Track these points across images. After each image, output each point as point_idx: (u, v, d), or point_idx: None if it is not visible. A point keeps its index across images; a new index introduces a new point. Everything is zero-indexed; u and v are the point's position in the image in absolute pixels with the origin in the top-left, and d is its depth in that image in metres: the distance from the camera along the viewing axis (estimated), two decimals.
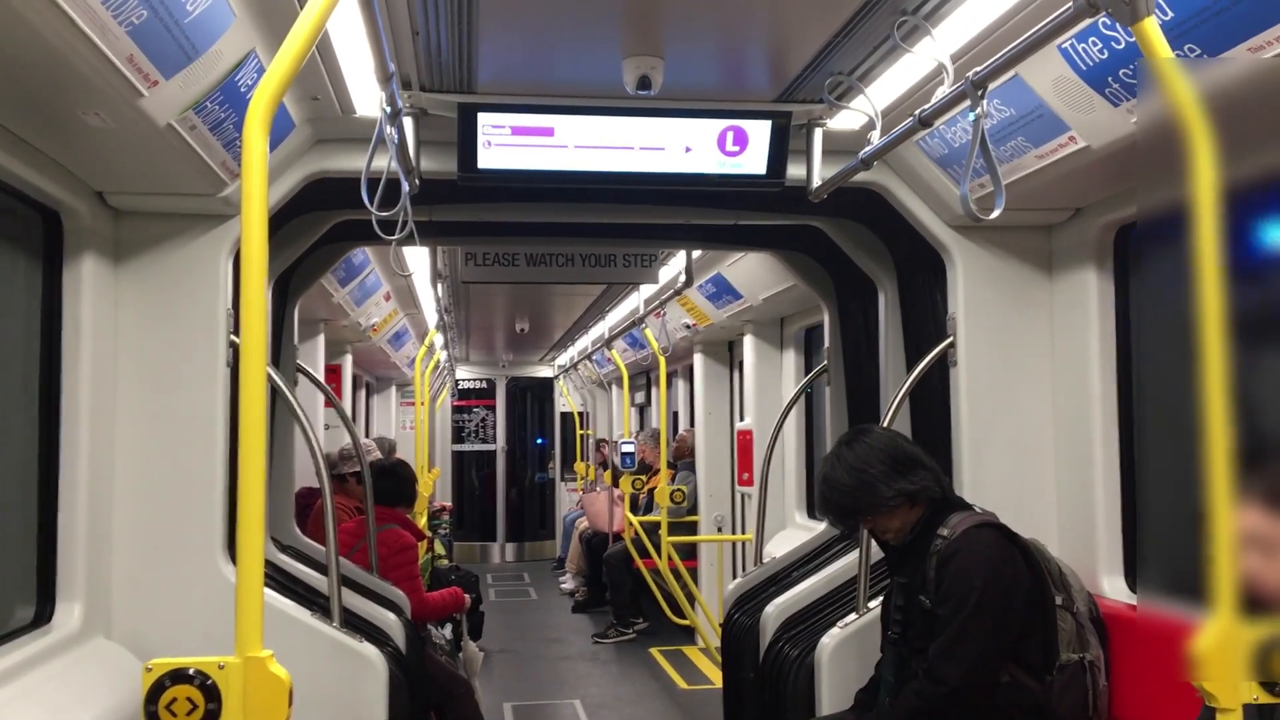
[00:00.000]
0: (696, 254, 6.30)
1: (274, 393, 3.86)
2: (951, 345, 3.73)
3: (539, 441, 16.14)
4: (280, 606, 3.39)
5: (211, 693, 1.64)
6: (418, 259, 6.56)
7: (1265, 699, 1.58)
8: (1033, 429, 3.71)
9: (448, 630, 5.74)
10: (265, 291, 1.73)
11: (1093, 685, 3.12)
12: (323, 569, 3.84)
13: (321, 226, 4.07)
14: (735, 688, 4.58)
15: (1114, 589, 3.45)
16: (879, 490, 3.16)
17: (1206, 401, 1.66)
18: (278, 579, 3.85)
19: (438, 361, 11.21)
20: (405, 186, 3.02)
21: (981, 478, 3.65)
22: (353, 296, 6.64)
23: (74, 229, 3.15)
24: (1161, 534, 3.55)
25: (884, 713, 3.18)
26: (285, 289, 4.48)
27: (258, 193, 1.71)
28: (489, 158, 3.45)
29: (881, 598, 3.50)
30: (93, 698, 2.93)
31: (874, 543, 3.65)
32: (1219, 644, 1.60)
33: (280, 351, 4.50)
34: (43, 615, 3.09)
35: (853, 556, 4.03)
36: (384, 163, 2.93)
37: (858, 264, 4.37)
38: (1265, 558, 1.89)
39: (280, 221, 3.85)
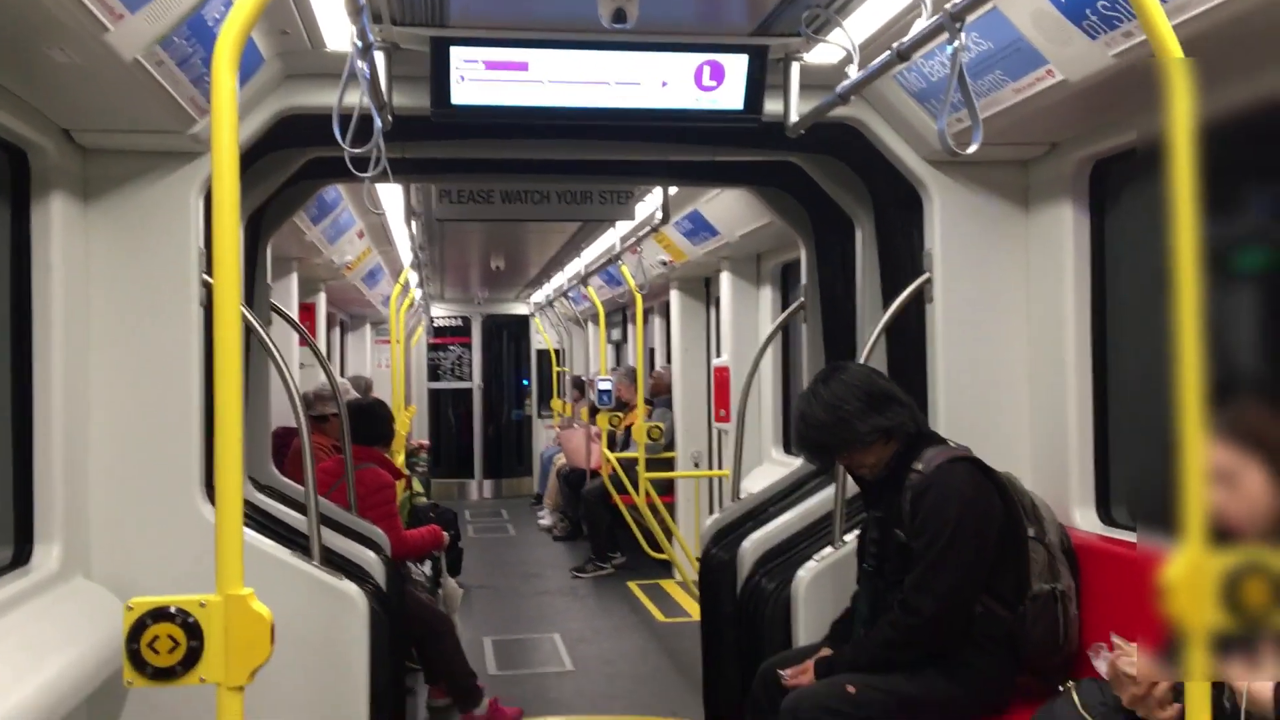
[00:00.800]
0: (673, 190, 6.26)
1: (248, 332, 3.84)
2: (928, 281, 3.74)
3: (524, 383, 16.11)
4: (260, 546, 3.41)
5: (193, 630, 1.64)
6: (391, 196, 6.49)
7: (1231, 625, 1.62)
8: (1007, 364, 3.74)
9: (427, 567, 5.79)
10: (237, 229, 1.71)
11: (1063, 614, 3.19)
12: (301, 508, 3.85)
13: (293, 164, 4.02)
14: (712, 620, 4.64)
15: (1085, 521, 3.51)
16: (855, 426, 3.20)
17: (1179, 336, 1.67)
18: (257, 519, 3.86)
19: (413, 299, 11.15)
20: (378, 123, 2.97)
21: (956, 412, 3.68)
22: (326, 234, 6.58)
23: (41, 168, 3.10)
24: (1132, 467, 3.61)
25: (859, 644, 3.23)
26: (257, 227, 4.43)
27: (227, 129, 1.68)
28: (462, 93, 3.40)
29: (857, 532, 3.55)
30: (74, 637, 2.94)
31: (850, 478, 3.70)
32: (1188, 572, 1.63)
33: (254, 290, 4.46)
34: (21, 556, 3.08)
35: (828, 492, 4.07)
36: (356, 98, 2.88)
37: (835, 200, 4.36)
38: (1229, 491, 1.93)
39: (251, 159, 3.79)
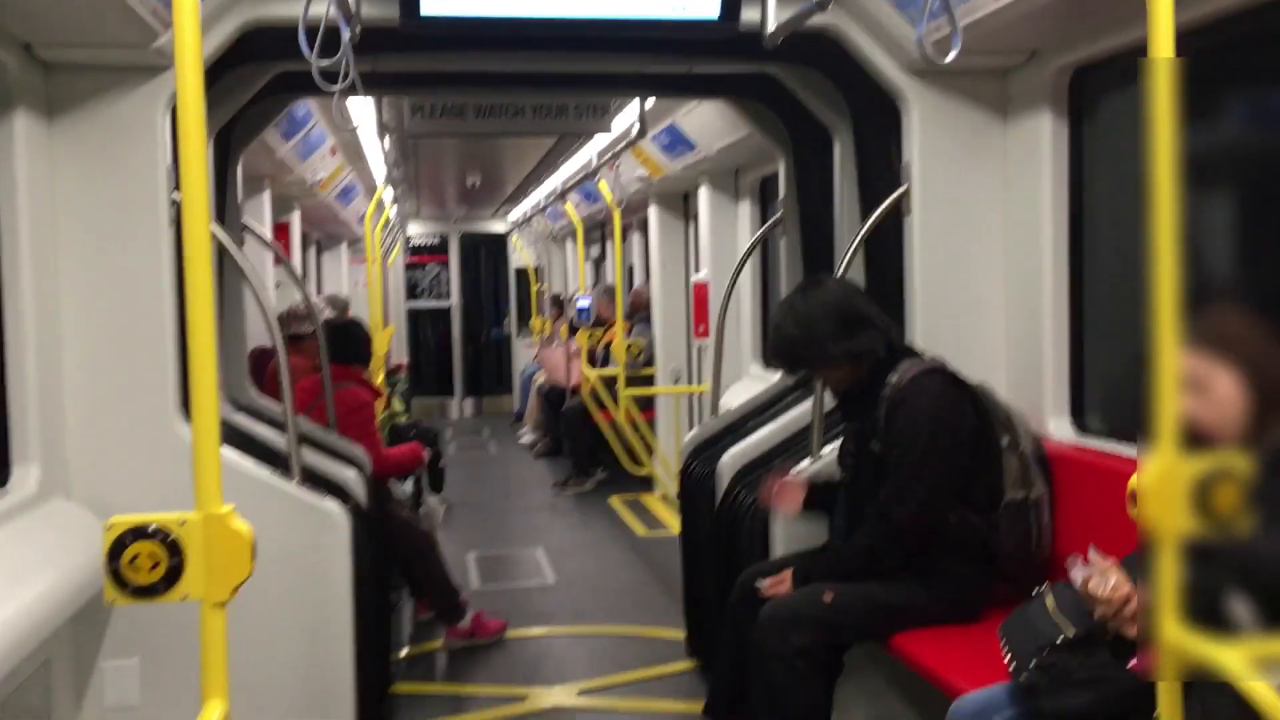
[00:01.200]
0: (650, 104, 6.18)
1: (221, 252, 3.79)
2: (906, 193, 3.72)
3: (502, 306, 16.04)
4: (240, 465, 3.41)
5: (173, 548, 1.65)
6: (363, 111, 6.38)
7: (1201, 529, 1.64)
8: (984, 275, 3.74)
9: (409, 485, 5.82)
10: (204, 146, 1.67)
11: (1036, 522, 3.25)
12: (281, 428, 3.85)
13: (260, 78, 3.94)
14: (692, 533, 4.70)
15: (1059, 430, 3.55)
16: (825, 347, 3.22)
17: (1155, 244, 1.67)
18: (236, 438, 3.86)
19: (388, 218, 11.04)
20: (346, 34, 2.91)
21: (933, 324, 3.69)
22: (297, 151, 6.48)
23: (2, 84, 3.02)
24: (1106, 376, 3.65)
25: (837, 553, 3.29)
26: (227, 145, 4.35)
27: (191, 42, 1.63)
28: (432, 4, 3.32)
29: (835, 444, 3.58)
30: (55, 557, 2.95)
31: (825, 392, 3.72)
32: (1159, 478, 1.65)
33: (224, 209, 4.40)
34: None
35: (806, 405, 4.10)
36: (323, 9, 2.82)
37: (813, 112, 4.31)
38: (1201, 398, 1.95)
39: (217, 74, 3.71)
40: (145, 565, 1.65)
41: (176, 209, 3.30)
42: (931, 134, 3.69)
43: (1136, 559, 2.38)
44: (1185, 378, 1.93)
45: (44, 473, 3.15)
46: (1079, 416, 3.59)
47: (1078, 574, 2.32)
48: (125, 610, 3.28)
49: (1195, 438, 1.88)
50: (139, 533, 1.65)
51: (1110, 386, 3.61)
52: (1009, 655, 2.45)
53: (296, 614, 3.46)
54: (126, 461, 3.33)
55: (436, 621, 5.21)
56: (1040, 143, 3.55)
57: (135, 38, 3.03)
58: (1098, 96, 3.53)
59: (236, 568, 1.66)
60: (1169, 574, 1.67)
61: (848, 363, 3.25)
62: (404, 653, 5.06)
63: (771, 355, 3.45)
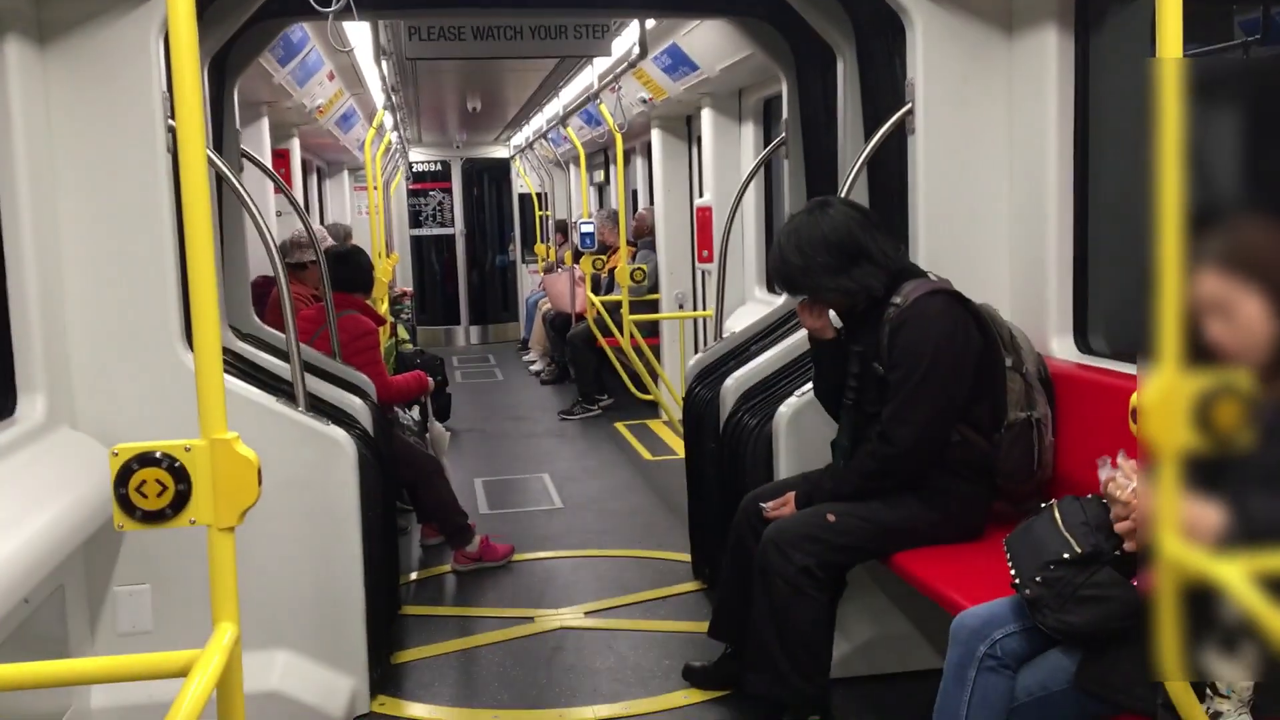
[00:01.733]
0: (651, 24, 6.08)
1: (220, 179, 3.77)
2: (910, 112, 3.68)
3: (506, 233, 15.94)
4: (244, 393, 3.42)
5: (180, 474, 1.66)
6: (360, 35, 6.29)
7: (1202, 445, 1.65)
8: (988, 195, 3.71)
9: (415, 412, 5.84)
10: (198, 70, 1.65)
11: (1038, 440, 3.26)
12: (284, 356, 3.86)
13: (253, 1, 3.87)
14: (697, 457, 4.73)
15: (1063, 349, 3.54)
16: (822, 280, 3.23)
17: (1161, 161, 1.65)
18: (240, 366, 3.87)
19: (389, 143, 10.94)
20: None
21: (936, 245, 3.67)
22: (294, 76, 6.40)
23: None
24: (1109, 293, 3.63)
25: (839, 474, 3.31)
26: (222, 70, 4.30)
27: None
28: None
29: None
30: (63, 485, 2.98)
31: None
32: (1161, 394, 1.65)
33: (222, 136, 4.36)
34: (5, 408, 3.10)
35: None
36: None
37: (816, 30, 4.24)
38: (1225, 322, 1.88)
39: None
40: (153, 491, 1.67)
41: (173, 136, 3.26)
42: (936, 51, 3.63)
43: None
44: (1208, 301, 1.87)
45: (49, 402, 3.16)
46: (1082, 336, 3.58)
47: (1104, 473, 2.31)
48: (135, 537, 3.32)
49: (1221, 364, 1.83)
50: (145, 459, 1.66)
51: (1113, 306, 3.60)
52: (1013, 569, 2.47)
53: (306, 540, 3.50)
54: (130, 390, 3.34)
55: (444, 546, 5.27)
56: (1045, 59, 3.49)
57: None
58: (1104, 10, 3.47)
59: (243, 493, 1.67)
60: (1169, 489, 1.68)
61: (842, 300, 3.25)
62: (413, 576, 5.13)
63: (771, 268, 3.45)
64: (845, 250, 3.21)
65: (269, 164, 6.31)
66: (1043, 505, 2.58)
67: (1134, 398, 1.66)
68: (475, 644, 4.27)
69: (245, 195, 3.78)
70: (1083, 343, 3.57)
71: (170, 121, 3.27)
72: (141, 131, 3.26)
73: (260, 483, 1.69)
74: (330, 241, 6.44)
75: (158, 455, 1.66)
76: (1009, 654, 2.44)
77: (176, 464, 1.66)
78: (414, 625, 4.46)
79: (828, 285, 3.22)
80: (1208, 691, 1.99)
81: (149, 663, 1.65)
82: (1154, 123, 1.66)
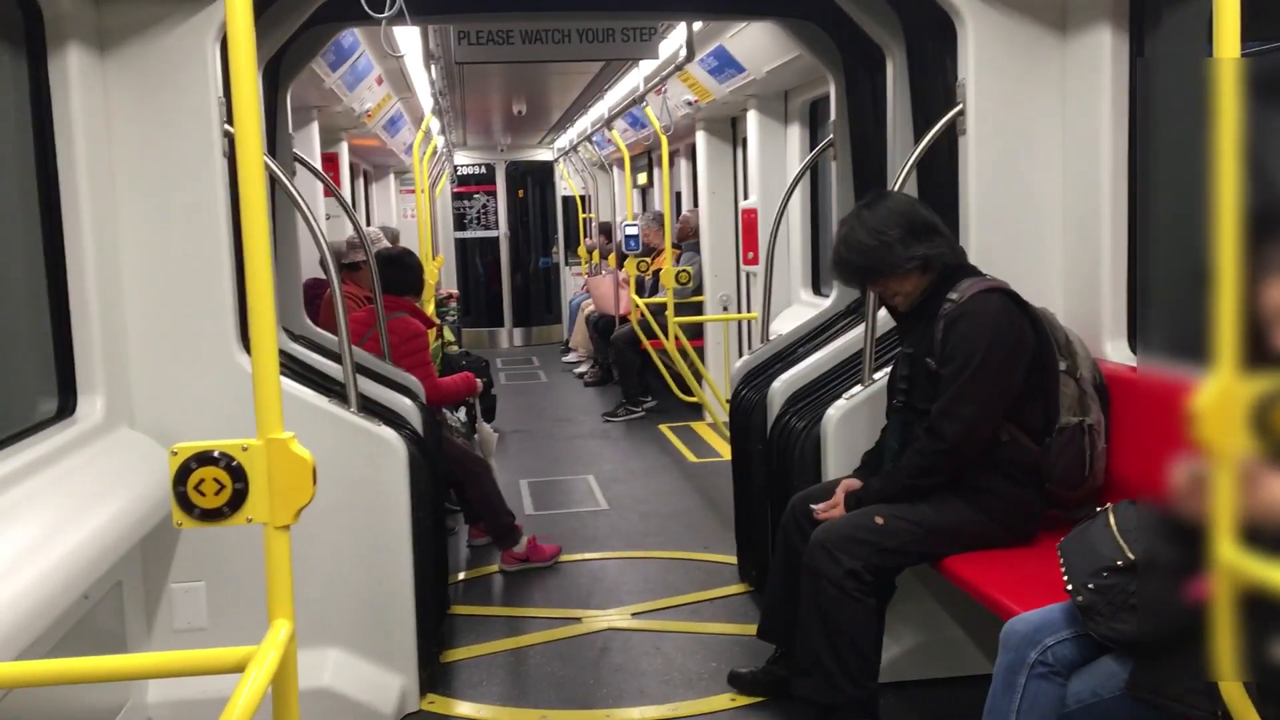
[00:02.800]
0: (697, 26, 6.08)
1: (273, 182, 3.82)
2: (961, 113, 3.65)
3: (550, 235, 15.98)
4: (298, 394, 3.47)
5: (237, 473, 1.69)
6: (409, 40, 6.35)
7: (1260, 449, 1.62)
8: (1041, 197, 3.67)
9: (462, 414, 5.88)
10: (255, 76, 1.68)
11: (1090, 447, 3.22)
12: (336, 358, 3.90)
13: (308, 7, 3.92)
14: (743, 459, 4.72)
15: (1117, 352, 3.50)
16: (896, 252, 3.21)
17: (1219, 163, 1.63)
18: (293, 368, 3.92)
19: (435, 147, 11.03)
20: None
21: (988, 248, 3.64)
22: (345, 81, 6.47)
23: (55, 18, 3.04)
24: (1165, 297, 3.58)
25: (887, 475, 3.29)
26: (275, 75, 4.36)
27: None
28: None
29: (887, 370, 3.56)
30: (123, 483, 3.04)
31: (878, 317, 3.69)
32: (1218, 399, 1.63)
33: (275, 140, 4.43)
34: (66, 408, 3.16)
35: (857, 331, 4.07)
36: None
37: (865, 31, 4.22)
38: None
39: (265, 3, 3.71)
40: (211, 490, 1.70)
41: (229, 140, 3.32)
42: (988, 52, 3.60)
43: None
44: (1277, 310, 1.85)
45: (108, 402, 3.22)
46: (1136, 338, 3.54)
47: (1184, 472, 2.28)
48: (191, 534, 3.37)
49: None
50: (204, 458, 1.69)
51: (1170, 309, 3.54)
52: (1066, 574, 2.45)
53: (357, 538, 3.54)
54: (188, 391, 3.40)
55: (492, 546, 5.30)
56: (1100, 59, 3.45)
57: None
58: (1159, 9, 3.42)
59: (299, 492, 1.69)
60: (1225, 495, 1.66)
61: (917, 270, 3.25)
62: (461, 576, 5.17)
63: (837, 266, 3.43)
64: (915, 222, 3.24)
65: (320, 167, 6.38)
66: (1098, 510, 2.55)
67: (1190, 403, 1.64)
68: (523, 644, 4.29)
69: (299, 199, 3.83)
70: (1136, 345, 3.52)
71: (227, 126, 3.32)
72: (199, 136, 3.31)
73: (315, 482, 1.72)
74: (383, 242, 6.50)
75: (216, 454, 1.69)
76: (1060, 661, 2.42)
77: (234, 463, 1.69)
78: (462, 625, 4.50)
79: (902, 255, 3.22)
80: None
81: (206, 659, 1.68)
82: (1212, 124, 1.64)
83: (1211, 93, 1.66)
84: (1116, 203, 3.48)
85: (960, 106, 3.64)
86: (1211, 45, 1.65)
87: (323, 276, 4.98)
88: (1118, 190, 3.48)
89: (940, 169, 3.86)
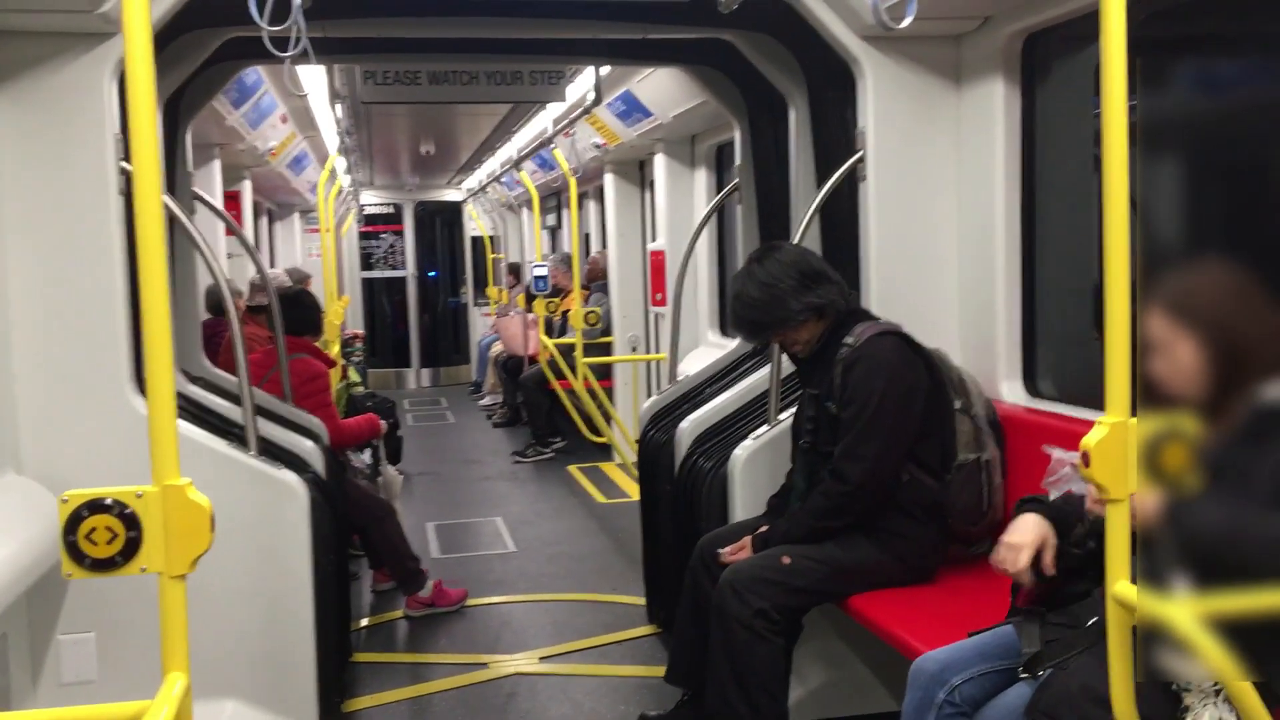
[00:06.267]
0: (605, 71, 6.14)
1: (171, 221, 3.74)
2: (861, 160, 3.74)
3: (431, 274, 15.88)
4: (195, 437, 3.38)
5: (131, 521, 1.63)
6: (314, 79, 6.30)
7: (1150, 489, 1.68)
8: (938, 241, 3.78)
9: (367, 455, 5.79)
10: (154, 113, 1.65)
11: (987, 482, 3.31)
12: (235, 399, 3.82)
13: (210, 44, 3.87)
14: (651, 500, 4.73)
15: (1012, 393, 3.60)
16: (789, 304, 3.26)
17: (1108, 208, 1.69)
18: (191, 410, 3.82)
19: (341, 187, 10.91)
20: None
21: (888, 290, 3.72)
22: (247, 119, 6.38)
23: None
24: (1057, 340, 3.70)
25: (794, 517, 3.32)
26: (176, 112, 4.28)
27: (140, 6, 1.60)
28: None
29: (792, 410, 3.61)
30: (9, 531, 2.91)
31: (785, 357, 3.74)
32: (1109, 439, 1.68)
33: (174, 178, 4.34)
34: None
35: (764, 372, 4.12)
36: None
37: (769, 79, 4.31)
38: (1166, 362, 1.98)
39: (166, 40, 3.64)
40: (103, 539, 1.64)
41: (126, 178, 3.24)
42: (886, 100, 3.70)
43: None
44: (1151, 340, 1.97)
45: None
46: (1031, 380, 3.64)
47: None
48: (81, 584, 3.25)
49: (1162, 399, 1.93)
50: (96, 506, 1.63)
51: (1060, 352, 3.67)
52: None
53: (256, 585, 3.44)
54: (79, 435, 3.29)
55: (396, 591, 5.21)
56: (993, 108, 3.58)
57: (80, 3, 2.97)
58: (1050, 62, 3.56)
59: (196, 540, 1.65)
60: (1119, 532, 1.71)
61: (810, 318, 3.30)
62: (364, 622, 5.06)
63: (734, 322, 3.48)
64: (805, 273, 3.29)
65: (221, 206, 6.26)
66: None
67: (1084, 441, 1.69)
68: (428, 691, 4.21)
69: (199, 238, 3.75)
70: (1031, 386, 3.63)
71: (124, 164, 3.24)
72: (94, 173, 3.23)
73: (213, 529, 1.67)
74: (287, 284, 6.39)
75: (108, 502, 1.63)
76: (967, 700, 2.45)
77: (128, 510, 1.63)
78: (365, 673, 4.39)
79: (795, 307, 3.27)
80: (1173, 686, 2.01)
81: (95, 714, 1.62)
82: (1101, 171, 1.70)
83: (1099, 140, 1.73)
84: (1010, 247, 3.60)
85: (860, 153, 3.74)
86: (1099, 96, 1.71)
87: (218, 317, 4.88)
88: (1010, 235, 3.60)
89: (842, 213, 3.94)
